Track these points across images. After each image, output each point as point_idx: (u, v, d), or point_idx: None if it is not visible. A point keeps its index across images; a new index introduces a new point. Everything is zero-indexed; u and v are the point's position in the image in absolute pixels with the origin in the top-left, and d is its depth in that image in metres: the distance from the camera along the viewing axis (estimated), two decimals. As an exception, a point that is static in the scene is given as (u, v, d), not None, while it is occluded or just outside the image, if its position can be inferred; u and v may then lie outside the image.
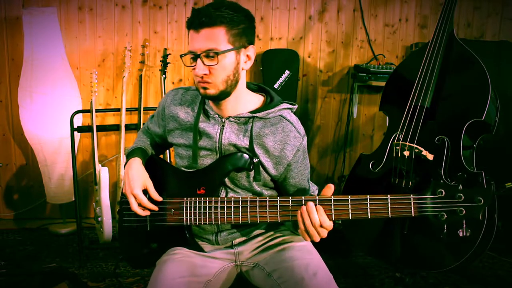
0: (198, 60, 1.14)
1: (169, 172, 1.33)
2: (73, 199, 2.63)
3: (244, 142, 1.23)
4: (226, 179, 1.25)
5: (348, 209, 1.07)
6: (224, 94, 1.19)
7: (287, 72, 2.93)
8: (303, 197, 1.12)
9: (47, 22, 2.58)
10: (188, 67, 1.20)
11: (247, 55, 1.20)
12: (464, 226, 1.02)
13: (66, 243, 2.64)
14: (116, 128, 2.68)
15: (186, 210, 1.22)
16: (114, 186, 2.87)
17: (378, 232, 2.00)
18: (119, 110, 2.66)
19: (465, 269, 2.35)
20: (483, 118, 1.82)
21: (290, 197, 1.13)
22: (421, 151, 1.87)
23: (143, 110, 2.76)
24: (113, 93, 2.98)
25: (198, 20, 1.12)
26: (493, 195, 0.98)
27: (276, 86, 2.92)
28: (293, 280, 1.14)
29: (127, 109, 2.72)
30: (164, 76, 2.80)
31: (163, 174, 1.32)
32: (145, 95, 2.94)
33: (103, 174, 2.48)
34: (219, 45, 1.13)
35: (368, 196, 1.05)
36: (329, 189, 1.11)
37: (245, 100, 1.26)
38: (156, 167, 1.34)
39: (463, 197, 1.00)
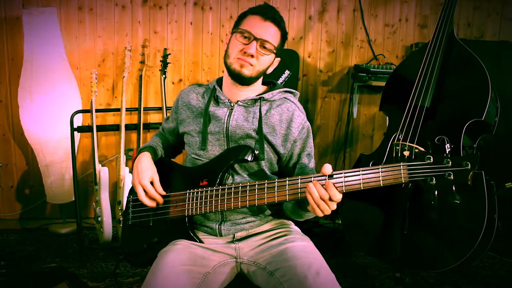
0: (254, 42, 1.28)
1: (174, 169, 1.38)
2: (73, 199, 2.63)
3: (252, 124, 1.31)
4: (236, 165, 1.31)
5: (342, 182, 1.11)
6: (251, 80, 1.33)
7: (287, 72, 2.92)
8: (299, 177, 1.17)
9: (47, 22, 2.58)
10: (238, 42, 1.30)
11: (273, 63, 1.37)
12: (454, 191, 1.05)
13: (66, 243, 2.64)
14: (116, 128, 2.68)
15: (188, 201, 1.27)
16: (114, 186, 2.87)
17: (378, 232, 2.00)
18: (119, 110, 2.66)
19: (465, 269, 2.35)
20: (483, 118, 1.82)
21: (299, 177, 1.18)
22: (421, 151, 1.87)
23: (143, 110, 2.76)
24: (113, 93, 2.99)
25: (272, 14, 1.30)
26: (479, 159, 1.03)
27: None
28: (297, 279, 1.15)
29: (127, 109, 2.72)
30: (164, 76, 2.80)
31: (168, 172, 1.37)
32: (145, 95, 2.94)
33: (103, 174, 2.48)
34: (275, 43, 1.31)
35: (360, 169, 1.11)
36: (326, 168, 1.15)
37: (255, 90, 1.38)
38: (161, 165, 1.39)
39: (450, 162, 1.04)
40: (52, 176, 2.72)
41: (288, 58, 2.98)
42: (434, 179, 1.05)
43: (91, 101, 2.51)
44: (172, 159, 1.52)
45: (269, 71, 1.37)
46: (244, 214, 1.34)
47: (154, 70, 2.97)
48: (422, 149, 1.87)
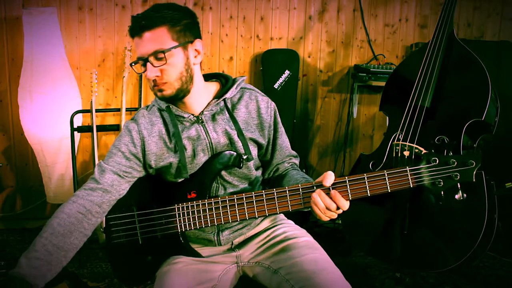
0: (148, 64, 1.14)
1: (158, 183, 1.29)
2: (73, 199, 2.63)
3: (230, 128, 1.24)
4: (223, 172, 1.25)
5: (347, 190, 1.08)
6: (182, 92, 1.19)
7: (287, 72, 2.93)
8: (299, 186, 1.12)
9: (47, 22, 2.58)
10: (143, 74, 1.18)
11: (196, 50, 1.21)
12: (459, 189, 1.06)
13: (66, 243, 2.64)
14: (116, 128, 2.68)
15: (179, 216, 1.21)
16: (114, 186, 2.87)
17: (378, 232, 2.00)
18: (119, 110, 2.66)
19: (465, 269, 2.35)
20: (483, 118, 1.82)
21: (285, 188, 1.13)
22: (421, 151, 1.87)
23: (143, 110, 2.76)
24: (113, 93, 2.98)
25: (138, 25, 1.14)
26: (482, 156, 1.04)
27: (276, 86, 2.92)
28: (303, 274, 1.14)
29: (127, 109, 2.72)
30: (164, 76, 2.80)
31: (151, 187, 1.29)
32: (145, 95, 2.94)
33: (103, 174, 2.47)
34: (164, 44, 1.13)
35: (365, 174, 1.08)
36: (329, 176, 1.08)
37: (206, 91, 1.27)
38: (143, 181, 1.29)
39: (456, 162, 1.04)
40: (52, 176, 2.72)
41: (288, 58, 2.98)
42: (442, 182, 1.05)
43: (91, 101, 2.51)
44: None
45: (197, 61, 1.21)
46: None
47: (154, 70, 2.97)
48: (422, 149, 1.87)
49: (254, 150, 1.28)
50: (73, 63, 2.86)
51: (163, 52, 1.12)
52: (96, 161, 2.53)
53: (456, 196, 1.09)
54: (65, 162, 2.71)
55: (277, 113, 1.33)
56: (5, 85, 2.87)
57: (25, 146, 2.90)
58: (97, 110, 2.64)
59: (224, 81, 1.31)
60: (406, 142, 1.92)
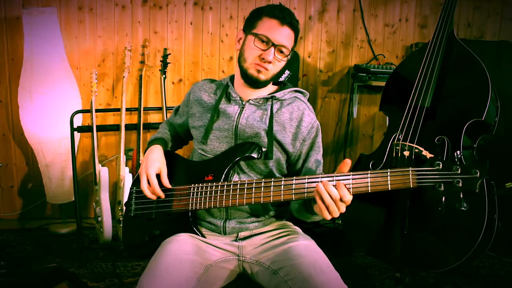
0: (272, 48, 1.27)
1: (180, 163, 1.39)
2: (73, 199, 2.63)
3: (262, 122, 1.31)
4: (242, 162, 1.31)
5: (350, 184, 1.10)
6: (266, 84, 1.35)
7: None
8: (306, 177, 1.15)
9: (47, 22, 2.58)
10: (255, 47, 1.28)
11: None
12: (462, 198, 1.04)
13: (66, 243, 2.64)
14: (116, 128, 2.68)
15: (192, 195, 1.27)
16: (114, 186, 2.87)
17: (378, 232, 2.00)
18: (119, 110, 2.66)
19: (465, 269, 2.35)
20: (483, 118, 1.82)
21: (293, 178, 1.16)
22: (421, 151, 1.88)
23: (143, 110, 2.76)
24: (113, 93, 2.98)
25: (289, 18, 1.29)
26: (488, 168, 1.02)
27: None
28: (301, 276, 1.15)
29: (127, 109, 2.72)
30: (164, 76, 2.80)
31: (173, 165, 1.38)
32: (145, 95, 2.94)
33: (103, 174, 2.48)
34: (290, 45, 1.30)
35: (368, 171, 1.10)
36: (345, 165, 1.13)
37: (266, 89, 1.39)
38: (168, 158, 1.40)
39: (459, 169, 1.03)
40: (52, 176, 2.72)
41: (288, 58, 2.98)
42: (443, 186, 1.04)
43: (91, 101, 2.51)
44: (178, 153, 1.51)
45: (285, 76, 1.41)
46: (249, 214, 1.34)
47: (154, 70, 2.97)
48: (422, 149, 1.87)
49: (277, 153, 1.33)
50: (73, 63, 2.86)
51: (288, 54, 1.30)
52: (96, 161, 2.53)
53: (457, 205, 1.08)
54: (65, 162, 2.71)
55: (319, 133, 1.38)
56: (5, 85, 2.87)
57: (25, 146, 2.90)
58: (97, 110, 2.64)
59: (283, 85, 1.43)
60: (406, 142, 1.92)
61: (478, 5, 3.18)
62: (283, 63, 1.32)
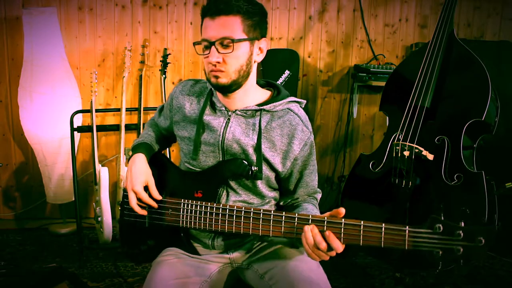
0: (213, 48, 1.13)
1: (170, 170, 1.33)
2: (73, 199, 2.63)
3: (250, 138, 1.21)
4: (230, 181, 1.25)
5: (341, 232, 1.02)
6: (236, 85, 1.18)
7: (287, 72, 2.92)
8: (310, 216, 1.06)
9: (47, 22, 2.58)
10: (202, 55, 1.18)
11: (260, 48, 1.21)
12: (461, 263, 0.93)
13: (66, 243, 2.64)
14: (116, 128, 2.68)
15: (182, 212, 1.22)
16: (114, 186, 2.87)
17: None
18: (119, 110, 2.66)
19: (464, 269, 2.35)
20: (483, 118, 1.82)
21: (296, 214, 1.08)
22: (421, 151, 1.88)
23: (143, 110, 2.76)
24: (113, 93, 2.98)
25: (215, 7, 1.11)
26: (496, 235, 0.90)
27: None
28: (285, 281, 1.13)
29: (127, 109, 2.72)
30: (164, 76, 2.80)
31: (164, 172, 1.33)
32: (145, 95, 2.94)
33: (103, 174, 2.48)
34: (234, 33, 1.13)
35: (362, 222, 1.00)
36: (339, 214, 1.04)
37: (254, 94, 1.25)
38: (157, 164, 1.34)
39: (462, 234, 0.91)
40: (52, 176, 2.72)
41: (288, 58, 2.98)
42: (441, 252, 0.93)
43: (91, 101, 2.51)
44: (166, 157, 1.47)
45: (259, 59, 1.21)
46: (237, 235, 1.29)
47: (154, 70, 2.97)
48: (422, 149, 1.87)
49: (266, 171, 1.24)
50: (73, 63, 2.86)
51: (232, 40, 1.12)
52: (96, 161, 2.53)
53: (455, 269, 1.02)
54: (65, 162, 2.71)
55: (313, 150, 1.28)
56: (5, 85, 2.87)
57: (25, 146, 2.90)
58: (97, 110, 2.64)
59: (276, 93, 1.28)
60: (406, 142, 1.92)
61: (478, 5, 3.18)
62: (238, 54, 1.14)
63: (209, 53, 1.14)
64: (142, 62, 2.79)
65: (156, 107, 3.01)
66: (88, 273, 2.24)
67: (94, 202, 2.56)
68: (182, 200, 1.23)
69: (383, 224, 0.98)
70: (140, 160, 1.29)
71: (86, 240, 2.61)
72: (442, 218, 0.93)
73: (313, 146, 1.28)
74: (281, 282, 1.14)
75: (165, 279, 1.17)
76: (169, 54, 2.84)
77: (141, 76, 2.78)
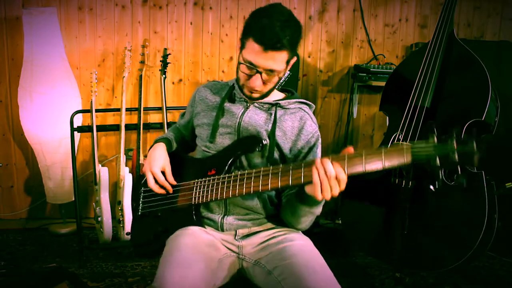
0: (258, 75, 1.25)
1: (184, 161, 1.42)
2: (73, 199, 2.63)
3: (265, 124, 1.33)
4: (243, 159, 1.33)
5: (345, 163, 1.07)
6: (264, 97, 1.35)
7: (287, 72, 2.92)
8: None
9: (47, 22, 2.58)
10: (243, 72, 1.28)
11: (287, 71, 1.33)
12: (459, 173, 1.00)
13: (66, 243, 2.64)
14: (116, 128, 2.68)
15: (195, 189, 1.29)
16: (114, 186, 2.87)
17: (378, 232, 2.00)
18: (119, 110, 2.66)
19: (465, 269, 2.35)
20: (483, 118, 1.82)
21: (290, 165, 1.15)
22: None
23: (143, 110, 2.76)
24: (113, 93, 2.99)
25: (272, 41, 1.19)
26: (486, 143, 0.98)
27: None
28: (294, 277, 1.14)
29: (127, 109, 2.72)
30: (164, 76, 2.80)
31: (178, 163, 1.40)
32: (145, 95, 2.94)
33: (103, 174, 2.48)
34: (280, 66, 1.25)
35: (363, 151, 1.06)
36: (348, 151, 1.11)
37: (271, 95, 1.39)
38: (172, 157, 1.42)
39: (455, 142, 0.99)
40: (52, 176, 2.72)
41: (288, 58, 2.98)
42: (438, 160, 0.99)
43: (91, 101, 2.51)
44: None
45: (286, 74, 1.40)
46: (248, 210, 1.34)
47: (154, 70, 2.97)
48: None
49: (275, 154, 1.33)
50: (73, 63, 2.86)
51: (280, 71, 1.26)
52: (96, 161, 2.53)
53: (455, 179, 1.04)
54: (65, 162, 2.71)
55: (318, 142, 1.39)
56: (5, 85, 2.87)
57: (25, 146, 2.90)
58: (97, 110, 2.64)
59: (290, 95, 1.44)
60: (406, 142, 1.92)
61: (478, 5, 3.18)
62: (276, 78, 1.29)
63: (252, 75, 1.26)
64: (142, 62, 2.79)
65: (156, 107, 3.02)
66: (88, 273, 2.24)
67: (94, 202, 2.56)
68: (195, 180, 1.30)
69: (383, 148, 1.05)
70: (160, 147, 1.41)
71: (86, 240, 2.61)
72: (436, 133, 1.01)
73: (319, 140, 1.39)
74: (290, 278, 1.15)
75: (192, 245, 1.22)
76: (169, 54, 2.84)
77: (141, 76, 2.78)
